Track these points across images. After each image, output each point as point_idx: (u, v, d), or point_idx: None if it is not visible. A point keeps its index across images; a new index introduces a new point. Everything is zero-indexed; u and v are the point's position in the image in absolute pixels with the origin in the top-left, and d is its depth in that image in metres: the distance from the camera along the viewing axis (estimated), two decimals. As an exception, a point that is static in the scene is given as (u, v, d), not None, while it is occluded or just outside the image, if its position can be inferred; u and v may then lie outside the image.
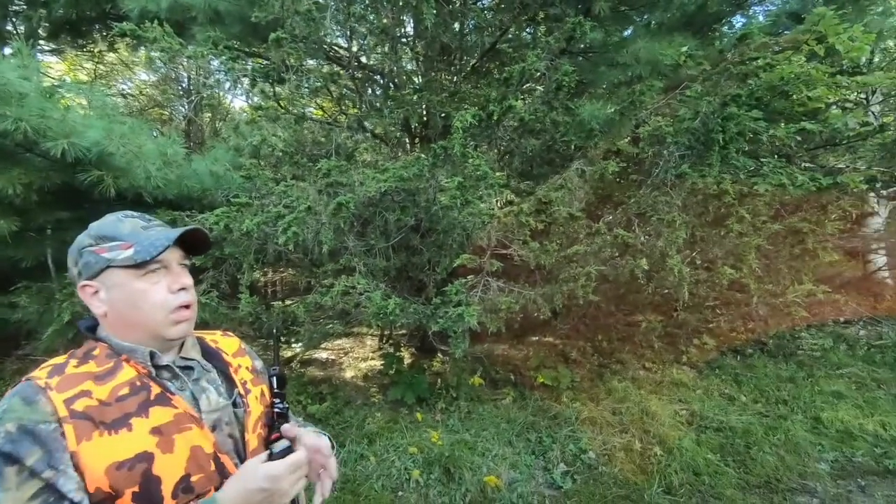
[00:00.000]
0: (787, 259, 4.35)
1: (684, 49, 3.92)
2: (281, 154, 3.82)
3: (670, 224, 3.16)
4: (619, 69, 4.14)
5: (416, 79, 4.87)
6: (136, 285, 0.84)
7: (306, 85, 4.02)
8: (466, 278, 3.04)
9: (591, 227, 3.26)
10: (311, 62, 4.10)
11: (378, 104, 4.28)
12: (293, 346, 5.08)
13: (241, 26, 4.02)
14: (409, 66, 4.96)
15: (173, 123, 8.99)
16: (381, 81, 4.64)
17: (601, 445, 3.36)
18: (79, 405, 0.74)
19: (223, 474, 0.84)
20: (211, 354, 0.99)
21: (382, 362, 4.48)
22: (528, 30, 4.65)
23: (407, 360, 4.76)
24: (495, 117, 3.15)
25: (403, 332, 5.47)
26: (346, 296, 2.98)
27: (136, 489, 0.74)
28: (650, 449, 3.28)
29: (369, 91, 4.60)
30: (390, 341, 5.73)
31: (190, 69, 7.81)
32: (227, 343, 1.08)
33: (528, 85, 3.78)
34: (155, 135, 4.16)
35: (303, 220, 2.86)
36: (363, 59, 4.49)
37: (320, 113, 5.42)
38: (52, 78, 6.57)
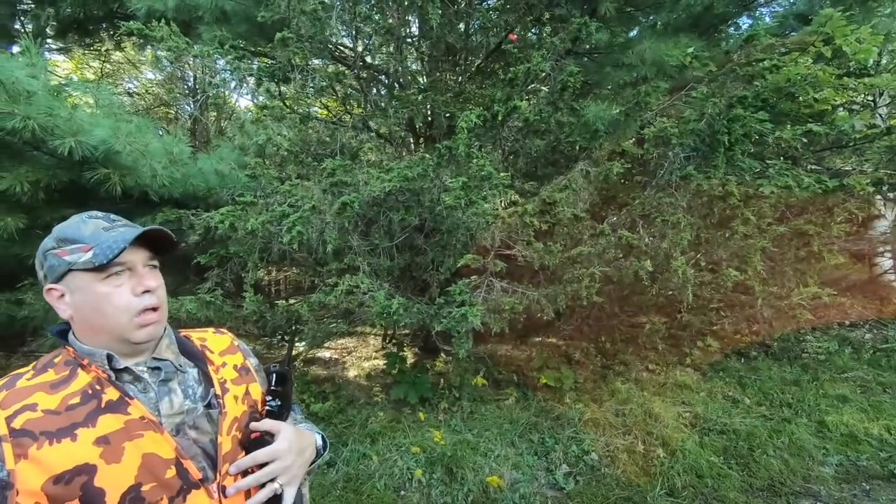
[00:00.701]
0: (793, 261, 4.33)
1: (690, 50, 3.91)
2: (286, 153, 3.83)
3: (675, 225, 3.15)
4: (624, 70, 4.14)
5: (420, 79, 4.88)
6: (98, 289, 0.81)
7: (311, 84, 4.02)
8: (470, 278, 3.04)
9: (595, 228, 3.25)
10: (316, 62, 4.11)
11: (383, 104, 4.29)
12: (297, 344, 5.10)
13: (248, 26, 4.04)
14: (413, 67, 4.97)
15: (179, 122, 9.02)
16: (386, 81, 4.65)
17: (604, 447, 3.35)
18: (18, 421, 0.73)
19: (185, 479, 0.79)
20: (191, 354, 0.96)
21: (385, 362, 4.49)
22: (533, 30, 4.65)
23: (410, 360, 4.76)
24: (500, 118, 3.16)
25: (407, 331, 5.47)
26: (350, 295, 2.99)
27: (76, 503, 0.71)
28: (653, 451, 3.27)
29: (374, 91, 4.61)
30: (393, 341, 5.73)
31: (196, 68, 7.86)
32: (216, 341, 1.05)
33: (533, 85, 3.78)
34: (161, 133, 4.19)
35: (307, 220, 2.87)
36: (368, 59, 4.50)
37: (325, 112, 5.43)
38: (60, 76, 6.63)
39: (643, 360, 4.79)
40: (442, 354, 4.81)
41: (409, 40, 4.44)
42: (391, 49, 4.22)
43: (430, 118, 4.43)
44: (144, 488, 0.75)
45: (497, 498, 2.87)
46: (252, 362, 1.07)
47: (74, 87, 3.60)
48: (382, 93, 4.66)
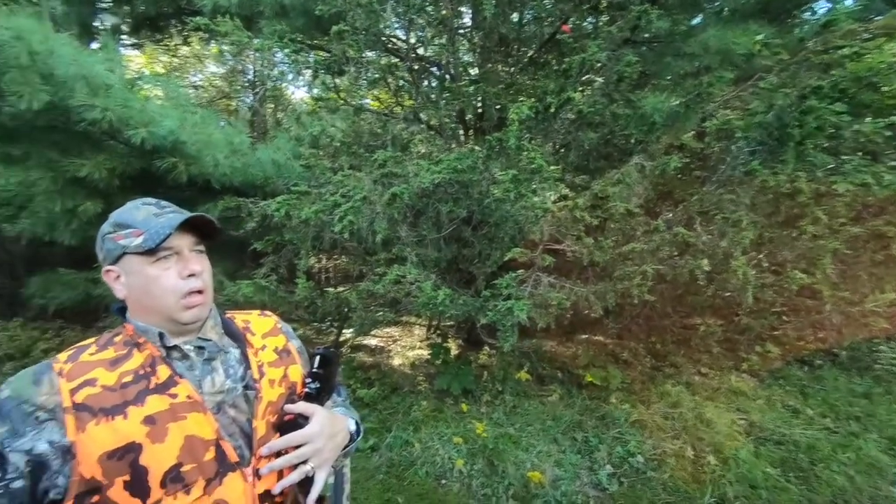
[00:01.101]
0: (868, 265, 4.02)
1: (759, 37, 3.67)
2: (339, 144, 3.93)
3: (736, 224, 2.99)
4: (685, 59, 3.94)
5: (472, 70, 4.85)
6: (148, 271, 0.86)
7: (365, 77, 4.09)
8: (517, 272, 3.02)
9: (649, 224, 3.14)
10: (370, 54, 4.17)
11: (434, 96, 4.30)
12: (344, 331, 5.24)
13: (305, 19, 4.15)
14: (465, 58, 4.94)
15: (239, 114, 9.41)
16: (438, 73, 4.65)
17: (651, 450, 3.26)
18: (81, 395, 0.78)
19: (222, 462, 0.83)
20: (234, 335, 1.00)
21: (430, 352, 4.54)
22: (589, 19, 4.51)
23: (454, 351, 4.79)
24: (552, 110, 3.09)
25: (451, 323, 5.50)
26: (397, 285, 3.04)
27: (126, 478, 0.76)
28: (703, 457, 3.15)
29: (425, 83, 4.63)
30: (438, 331, 5.78)
31: (256, 62, 8.16)
32: (259, 323, 1.08)
33: (587, 76, 3.67)
34: (223, 125, 4.38)
35: (358, 210, 2.94)
36: (420, 51, 4.52)
37: (377, 104, 5.51)
38: (133, 70, 7.05)
39: (696, 363, 4.60)
40: (486, 347, 4.81)
41: (461, 31, 4.42)
42: (443, 40, 4.21)
43: (480, 110, 4.39)
44: (184, 469, 0.79)
45: (538, 494, 2.86)
46: (294, 344, 1.09)
47: (146, 81, 3.83)
48: (433, 84, 4.67)
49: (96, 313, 4.94)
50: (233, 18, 3.46)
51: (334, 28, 3.33)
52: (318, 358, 1.00)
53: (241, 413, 0.89)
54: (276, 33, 3.76)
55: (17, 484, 0.74)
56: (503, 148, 2.93)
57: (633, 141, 3.63)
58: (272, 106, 9.50)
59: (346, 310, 3.51)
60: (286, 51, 3.69)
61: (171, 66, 9.58)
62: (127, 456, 0.76)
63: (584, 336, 5.27)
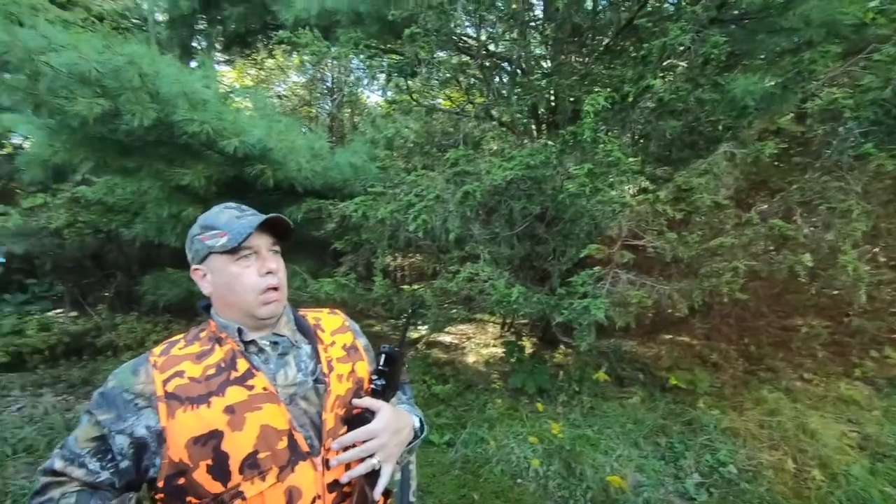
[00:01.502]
0: None
1: (873, 4, 3.27)
2: (412, 145, 4.01)
3: (845, 214, 2.69)
4: (782, 35, 3.59)
5: (544, 63, 4.75)
6: (231, 269, 0.93)
7: (436, 77, 4.15)
8: (594, 269, 2.92)
9: (740, 216, 2.91)
10: (441, 54, 4.22)
11: (505, 92, 4.27)
12: (419, 328, 5.35)
13: (379, 25, 4.27)
14: (537, 51, 4.85)
15: (319, 120, 9.92)
16: (509, 68, 4.61)
17: (745, 460, 3.02)
18: (171, 385, 0.86)
19: (294, 451, 0.88)
20: (306, 332, 1.05)
21: (504, 350, 4.52)
22: (670, 1, 4.25)
23: (528, 350, 4.73)
24: (630, 99, 2.95)
25: (526, 321, 5.44)
26: (471, 282, 3.05)
27: (209, 462, 0.82)
28: (807, 471, 2.86)
29: (497, 79, 4.60)
30: (512, 329, 5.74)
31: (333, 69, 8.54)
32: (329, 321, 1.13)
33: (668, 61, 3.47)
34: (304, 131, 4.64)
35: (431, 209, 2.98)
36: (491, 47, 4.50)
37: (449, 103, 5.56)
38: (226, 85, 7.65)
39: (797, 368, 4.20)
40: (562, 346, 4.71)
41: (532, 24, 4.34)
42: (514, 35, 4.16)
43: (553, 103, 4.30)
44: (260, 456, 0.84)
45: (618, 499, 2.75)
46: (361, 342, 1.13)
47: (237, 94, 4.14)
48: (505, 80, 4.63)
49: (197, 309, 5.42)
50: (312, 30, 3.64)
51: (406, 31, 3.40)
52: (383, 356, 1.03)
53: (312, 405, 0.94)
54: (351, 40, 3.91)
55: (125, 464, 0.83)
56: (578, 141, 2.85)
57: (721, 127, 3.38)
58: (349, 111, 9.91)
59: (418, 307, 3.58)
60: (361, 57, 3.82)
61: (258, 78, 10.30)
62: (210, 442, 0.82)
63: (667, 336, 4.99)
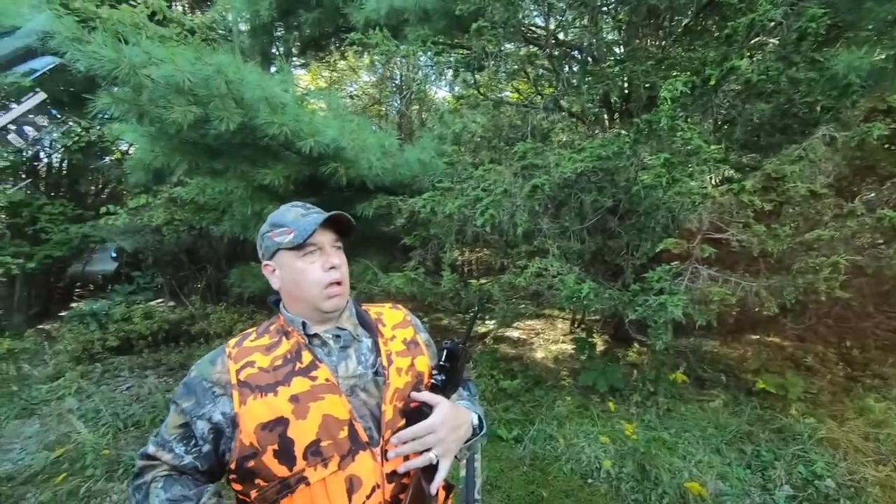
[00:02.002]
0: None
1: None
2: (479, 139, 4.01)
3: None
4: (895, 2, 3.19)
5: (617, 49, 4.56)
6: (297, 264, 0.98)
7: (504, 69, 4.10)
8: (671, 265, 2.77)
9: (841, 206, 2.64)
10: (508, 46, 4.17)
11: (575, 81, 4.14)
12: (486, 322, 5.35)
13: (446, 21, 4.29)
14: (609, 37, 4.66)
15: (388, 118, 10.16)
16: (579, 57, 4.46)
17: (845, 474, 2.75)
18: (243, 374, 0.92)
19: (354, 441, 0.91)
20: (367, 325, 1.08)
21: (574, 346, 4.41)
22: (759, -27, 3.90)
23: (600, 347, 4.59)
24: (713, 82, 2.75)
25: (597, 317, 5.28)
26: (539, 277, 3.00)
27: (275, 447, 0.87)
28: (922, 491, 2.56)
29: (566, 69, 4.47)
30: (582, 326, 5.60)
31: (402, 67, 8.71)
32: (390, 315, 1.15)
33: (757, 39, 3.20)
34: (375, 129, 4.77)
35: (499, 203, 2.96)
36: (561, 36, 4.38)
37: (516, 96, 5.49)
38: (302, 88, 8.05)
39: (910, 375, 3.76)
40: (635, 344, 4.52)
41: (604, 9, 4.17)
42: (585, 21, 4.02)
43: (627, 91, 4.11)
44: (323, 444, 0.89)
45: (698, 507, 2.61)
46: (422, 337, 1.15)
47: (312, 96, 4.33)
48: (575, 69, 4.49)
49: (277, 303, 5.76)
50: (382, 30, 3.73)
51: (474, 25, 3.39)
52: (445, 352, 1.04)
53: (372, 397, 0.97)
54: (419, 38, 3.96)
55: (206, 448, 0.92)
56: (653, 130, 2.70)
57: (818, 109, 3.07)
58: (417, 107, 10.06)
59: (485, 302, 3.58)
60: (429, 54, 3.86)
61: (331, 80, 10.72)
62: (276, 428, 0.88)
63: (754, 336, 4.65)
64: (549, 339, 5.49)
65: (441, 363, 1.03)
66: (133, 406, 3.89)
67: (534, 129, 3.97)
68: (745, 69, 2.70)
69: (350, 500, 0.88)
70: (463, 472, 1.05)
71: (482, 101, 3.92)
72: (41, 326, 7.41)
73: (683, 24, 4.02)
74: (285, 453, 0.87)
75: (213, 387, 0.93)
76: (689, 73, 2.85)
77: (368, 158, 3.73)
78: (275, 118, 3.25)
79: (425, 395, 0.98)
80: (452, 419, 0.96)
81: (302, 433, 0.88)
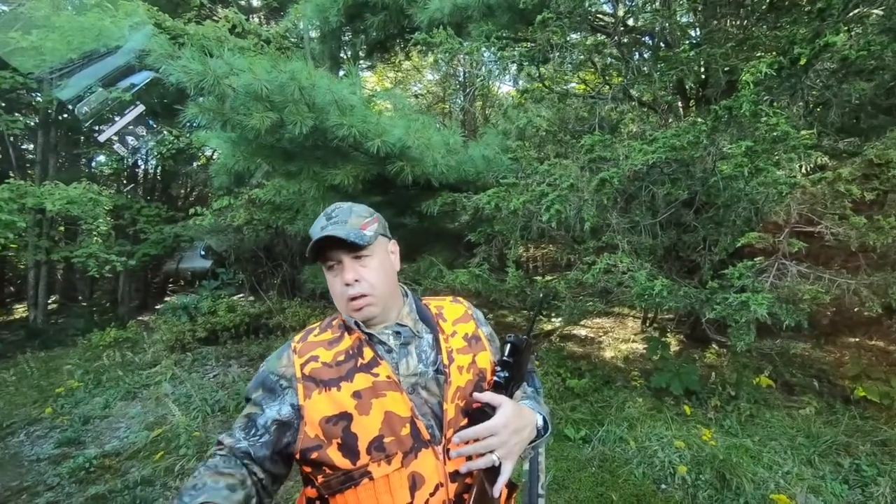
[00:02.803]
0: None
1: None
2: (544, 133, 3.93)
3: None
4: None
5: (692, 32, 4.30)
6: (326, 276, 0.99)
7: (570, 60, 4.00)
8: (754, 260, 2.58)
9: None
10: (574, 36, 4.06)
11: (646, 69, 3.95)
12: (553, 320, 5.26)
13: (510, 15, 4.25)
14: (683, 20, 4.40)
15: (452, 115, 10.22)
16: (651, 43, 4.26)
17: (965, 496, 2.44)
18: (308, 368, 0.93)
19: (416, 438, 0.89)
20: (427, 321, 1.05)
21: (645, 346, 4.24)
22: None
23: (674, 347, 4.38)
24: (803, 62, 2.53)
25: (671, 316, 5.04)
26: (608, 274, 2.91)
27: (339, 441, 0.87)
28: None
29: (636, 56, 4.28)
30: (655, 325, 5.36)
31: (465, 64, 8.73)
32: (451, 310, 1.11)
33: (856, 11, 2.89)
34: (439, 127, 4.82)
35: (565, 198, 2.90)
36: (630, 23, 4.20)
37: (583, 87, 5.33)
38: (369, 90, 8.28)
39: None
40: (714, 345, 4.26)
41: (678, -10, 3.95)
42: (657, 5, 3.83)
43: (703, 76, 3.87)
44: (386, 440, 0.88)
45: (785, 521, 2.42)
46: (484, 331, 1.10)
47: (378, 97, 4.45)
48: (646, 56, 4.29)
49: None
50: (445, 28, 3.76)
51: (538, 18, 3.34)
52: (508, 346, 1.00)
53: (433, 395, 0.95)
54: (483, 34, 3.95)
55: (265, 438, 0.92)
56: (733, 117, 2.53)
57: (931, 86, 2.74)
58: (481, 104, 10.05)
59: (551, 299, 3.52)
60: (493, 49, 3.84)
61: (396, 80, 10.96)
62: (340, 423, 0.89)
63: (852, 339, 4.23)
64: (618, 338, 5.30)
65: (504, 358, 1.00)
66: (219, 392, 4.20)
67: (602, 120, 3.84)
68: (841, 45, 2.45)
69: (413, 497, 0.88)
70: (526, 466, 1.04)
71: (547, 95, 3.84)
72: (140, 318, 8.18)
73: (768, 1, 3.72)
74: (349, 448, 0.88)
75: (281, 380, 0.94)
76: (774, 53, 2.63)
77: (433, 156, 3.78)
78: (344, 120, 3.37)
79: (487, 396, 0.94)
80: (516, 421, 0.93)
81: (365, 429, 0.89)
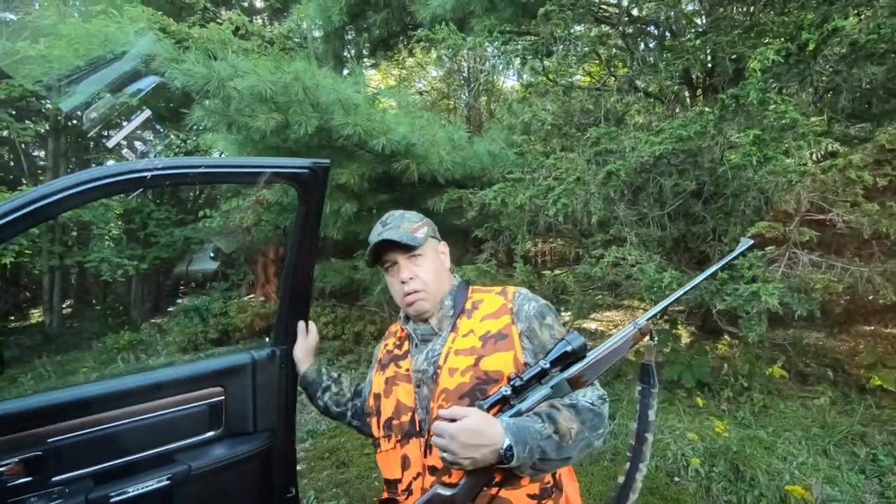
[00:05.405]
0: None
1: None
2: (550, 127, 3.91)
3: None
4: None
5: (698, 20, 4.25)
6: (386, 278, 1.16)
7: (574, 53, 3.96)
8: (764, 250, 2.55)
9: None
10: (578, 28, 4.01)
11: (652, 59, 3.91)
12: (562, 314, 5.24)
13: (513, 9, 4.22)
14: (689, 8, 4.35)
15: (457, 111, 10.19)
16: (656, 32, 4.21)
17: None
18: (381, 351, 1.22)
19: (411, 427, 1.03)
20: (452, 318, 1.11)
21: (657, 339, 4.21)
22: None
23: (685, 339, 4.35)
24: (811, 47, 2.49)
25: (681, 308, 4.99)
26: (617, 267, 2.89)
27: (376, 412, 1.12)
28: None
29: (641, 47, 4.23)
30: (665, 317, 5.32)
31: (469, 59, 8.69)
32: (489, 303, 1.08)
33: (865, -6, 2.84)
34: (444, 124, 4.81)
35: (572, 191, 2.89)
36: (634, 12, 4.15)
37: (588, 80, 5.29)
38: (373, 88, 8.28)
39: None
40: (725, 336, 4.23)
41: (683, -22, 3.90)
42: (662, -7, 3.78)
43: (710, 65, 3.83)
44: (393, 422, 1.06)
45: (801, 512, 2.40)
46: (519, 327, 1.03)
47: (382, 95, 4.45)
48: (651, 46, 4.24)
49: (356, 294, 6.03)
50: (448, 24, 3.74)
51: (541, 10, 3.31)
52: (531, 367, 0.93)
53: (429, 392, 1.04)
54: (485, 28, 3.92)
55: (365, 390, 1.26)
56: (741, 105, 2.50)
57: (945, 68, 2.68)
58: (485, 99, 10.00)
59: (560, 293, 3.51)
60: (496, 44, 3.82)
61: (400, 77, 10.93)
62: (377, 400, 1.12)
63: (867, 328, 4.18)
64: (628, 331, 5.27)
65: (518, 374, 0.92)
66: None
67: (607, 112, 3.81)
68: (850, 29, 2.41)
69: (402, 475, 1.03)
70: (621, 479, 1.05)
71: (552, 88, 3.81)
72: (153, 321, 8.27)
73: (775, -14, 3.66)
74: (376, 420, 1.11)
75: (374, 359, 1.25)
76: (782, 39, 2.60)
77: (438, 153, 3.78)
78: (348, 119, 3.38)
79: (451, 411, 0.88)
80: (470, 437, 0.84)
81: (385, 409, 1.09)
